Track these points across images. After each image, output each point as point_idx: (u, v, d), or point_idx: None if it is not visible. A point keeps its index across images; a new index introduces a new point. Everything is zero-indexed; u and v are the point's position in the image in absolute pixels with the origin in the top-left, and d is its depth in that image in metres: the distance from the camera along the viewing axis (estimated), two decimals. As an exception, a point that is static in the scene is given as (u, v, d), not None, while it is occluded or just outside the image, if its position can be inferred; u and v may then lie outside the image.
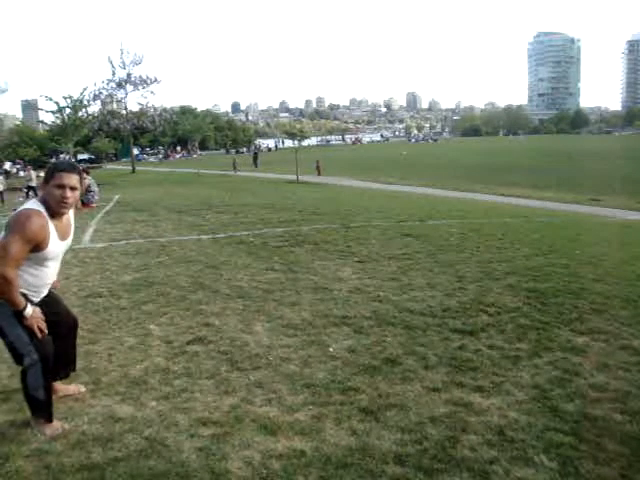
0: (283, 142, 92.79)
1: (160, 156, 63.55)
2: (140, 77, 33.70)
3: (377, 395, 2.97)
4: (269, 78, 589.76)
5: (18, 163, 48.10)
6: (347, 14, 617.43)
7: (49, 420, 2.66)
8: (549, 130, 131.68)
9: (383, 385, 3.09)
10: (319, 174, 30.02)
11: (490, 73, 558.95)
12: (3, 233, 2.49)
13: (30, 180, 21.11)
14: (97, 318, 4.36)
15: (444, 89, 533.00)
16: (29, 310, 2.50)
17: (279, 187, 21.16)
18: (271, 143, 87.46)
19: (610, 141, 64.79)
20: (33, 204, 2.54)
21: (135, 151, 48.72)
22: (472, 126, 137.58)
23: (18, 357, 2.59)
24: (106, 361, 3.51)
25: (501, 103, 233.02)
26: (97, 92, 33.01)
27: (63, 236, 2.65)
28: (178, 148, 66.32)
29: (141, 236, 8.42)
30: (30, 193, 20.26)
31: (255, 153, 41.79)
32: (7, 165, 40.23)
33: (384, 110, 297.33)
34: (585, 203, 13.98)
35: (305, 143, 59.89)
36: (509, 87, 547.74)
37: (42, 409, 2.65)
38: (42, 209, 2.52)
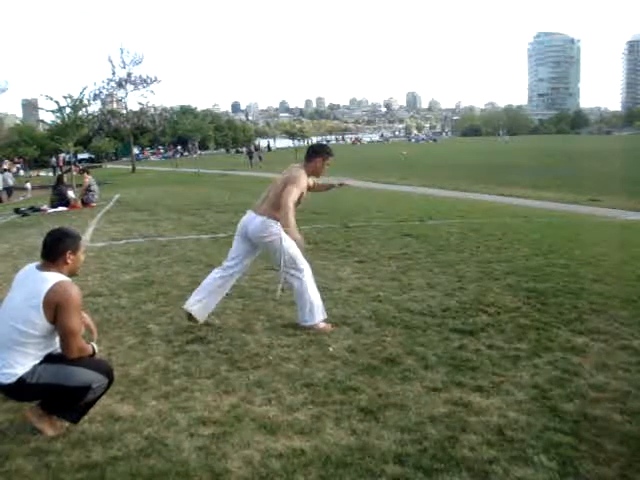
0: (275, 141, 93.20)
1: (161, 155, 63.98)
2: (140, 77, 33.73)
3: (377, 395, 2.97)
4: (269, 78, 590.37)
5: (17, 162, 47.96)
6: (347, 14, 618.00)
7: (77, 420, 2.69)
8: (549, 130, 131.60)
9: (383, 385, 3.09)
10: (319, 174, 29.79)
11: (490, 73, 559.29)
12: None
13: None
14: (97, 317, 4.35)
15: (444, 89, 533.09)
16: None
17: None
18: (268, 143, 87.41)
19: (610, 141, 64.73)
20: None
21: (135, 150, 48.71)
22: (472, 126, 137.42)
23: (83, 391, 2.57)
24: (106, 360, 3.51)
25: (501, 103, 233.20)
26: (97, 91, 33.10)
27: None
28: (178, 147, 66.38)
29: (141, 235, 8.42)
30: None
31: (249, 152, 40.05)
32: (6, 164, 40.13)
33: (384, 110, 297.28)
34: (585, 203, 13.93)
35: (304, 143, 59.85)
36: (509, 87, 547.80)
37: (82, 413, 2.68)
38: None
